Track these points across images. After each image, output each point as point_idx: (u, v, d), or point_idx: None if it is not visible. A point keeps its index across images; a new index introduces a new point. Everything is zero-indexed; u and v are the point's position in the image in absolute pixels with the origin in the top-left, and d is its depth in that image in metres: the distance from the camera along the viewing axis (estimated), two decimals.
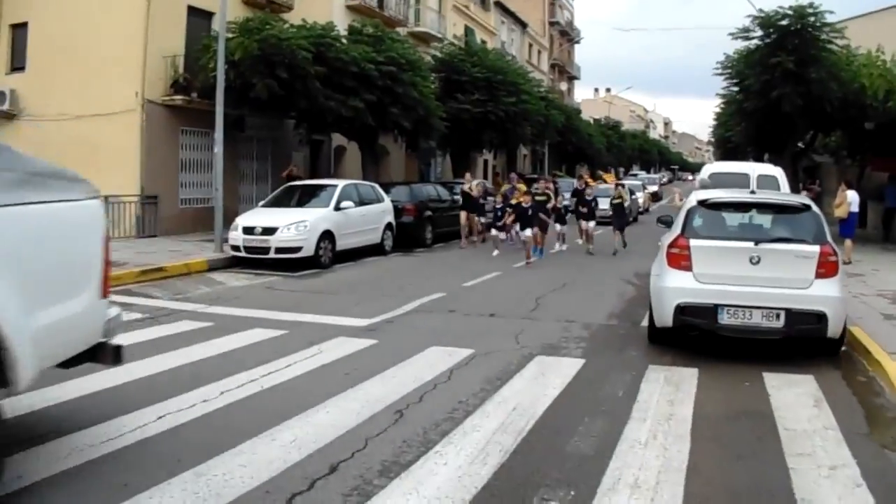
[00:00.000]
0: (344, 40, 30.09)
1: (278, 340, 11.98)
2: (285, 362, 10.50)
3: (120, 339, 11.76)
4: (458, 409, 8.49)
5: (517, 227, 25.00)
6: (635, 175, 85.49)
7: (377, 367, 10.25)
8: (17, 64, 29.96)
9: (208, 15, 29.11)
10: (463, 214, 28.76)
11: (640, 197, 51.03)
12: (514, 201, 25.65)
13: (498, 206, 27.34)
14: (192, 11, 29.45)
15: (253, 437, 7.47)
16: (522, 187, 28.23)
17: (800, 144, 38.82)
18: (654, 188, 70.66)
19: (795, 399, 9.22)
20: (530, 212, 24.09)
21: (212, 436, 7.56)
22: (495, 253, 25.32)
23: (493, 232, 27.21)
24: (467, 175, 31.37)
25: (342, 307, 14.91)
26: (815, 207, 11.68)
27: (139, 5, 27.31)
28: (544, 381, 9.78)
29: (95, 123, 27.10)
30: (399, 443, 7.42)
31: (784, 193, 16.03)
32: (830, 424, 8.26)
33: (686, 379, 9.99)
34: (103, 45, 27.48)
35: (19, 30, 29.86)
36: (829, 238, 11.08)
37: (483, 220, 29.74)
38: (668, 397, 9.13)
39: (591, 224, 27.23)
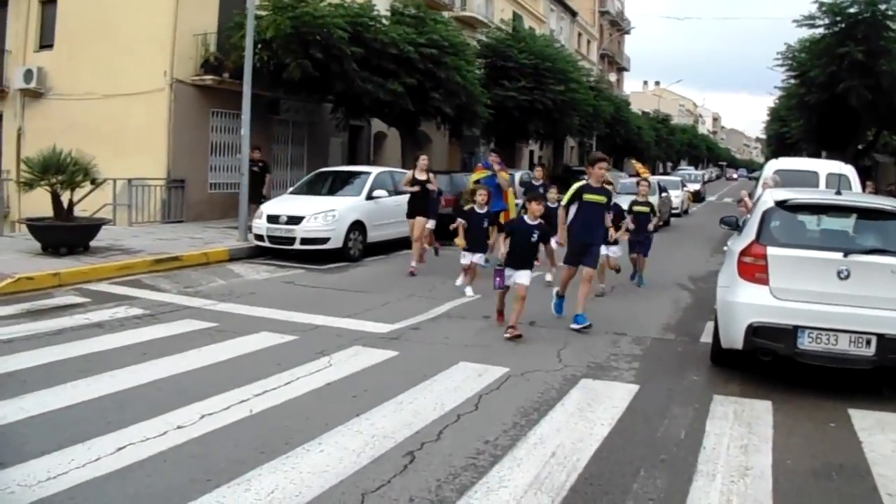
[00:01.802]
0: (384, 20, 28.71)
1: (285, 348, 10.51)
2: (287, 377, 9.02)
3: (109, 342, 10.60)
4: (483, 453, 6.93)
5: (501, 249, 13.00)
6: (680, 171, 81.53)
7: (393, 388, 8.73)
8: (46, 41, 29.02)
9: None
10: (413, 223, 18.67)
11: (677, 196, 40.17)
12: (467, 206, 16.13)
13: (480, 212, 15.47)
14: None
15: (223, 485, 6.05)
16: (505, 175, 19.24)
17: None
18: (697, 186, 58.34)
19: (894, 449, 7.54)
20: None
21: (175, 478, 6.18)
22: (459, 282, 15.77)
23: (466, 259, 15.56)
24: (422, 160, 18.91)
25: (365, 308, 13.46)
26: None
27: None
28: (591, 414, 8.18)
29: (123, 103, 26.10)
30: (404, 501, 5.91)
31: (875, 196, 14.22)
32: None
33: (759, 416, 8.34)
34: (132, 23, 26.36)
35: (48, 6, 28.90)
36: None
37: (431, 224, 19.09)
38: (741, 441, 7.49)
39: (613, 250, 16.18)
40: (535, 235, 12.15)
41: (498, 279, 12.12)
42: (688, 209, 45.69)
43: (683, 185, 46.30)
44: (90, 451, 6.59)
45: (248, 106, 21.11)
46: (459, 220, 15.52)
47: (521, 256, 12.11)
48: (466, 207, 15.84)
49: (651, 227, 17.17)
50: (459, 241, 15.55)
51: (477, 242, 15.29)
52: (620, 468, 6.73)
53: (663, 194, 34.12)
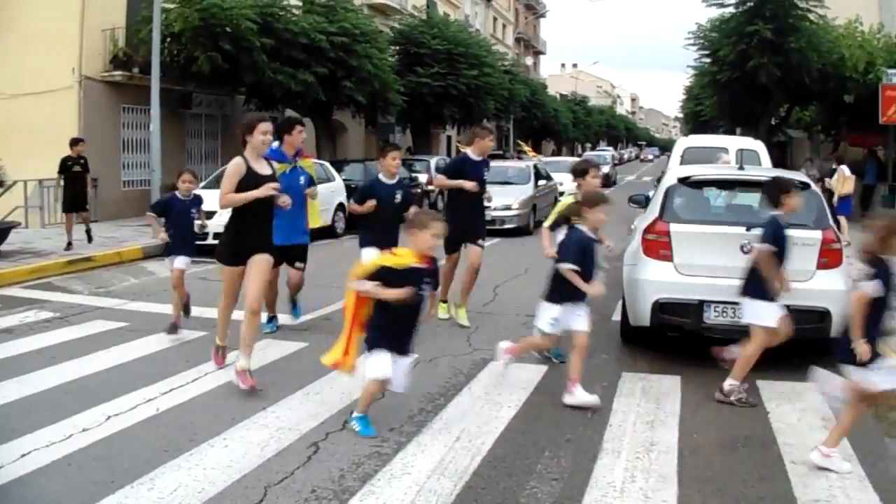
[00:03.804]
0: (295, 10, 28.49)
1: (193, 345, 10.40)
2: (194, 374, 8.93)
3: (17, 348, 10.40)
4: (387, 441, 6.93)
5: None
6: (597, 151, 78.19)
7: (300, 379, 8.70)
8: None
9: None
10: (232, 273, 9.10)
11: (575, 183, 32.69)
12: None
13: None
14: None
15: (127, 485, 5.96)
16: (309, 164, 11.60)
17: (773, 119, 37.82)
18: (605, 169, 43.31)
19: (799, 418, 7.69)
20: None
21: (77, 481, 6.09)
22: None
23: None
24: (261, 129, 8.72)
25: (277, 300, 13.24)
26: (814, 186, 10.11)
27: None
28: (497, 396, 8.23)
29: (31, 102, 25.42)
30: (307, 493, 5.88)
31: (778, 170, 14.37)
32: (846, 454, 6.65)
33: (667, 391, 8.44)
34: (38, 19, 25.73)
35: None
36: (831, 222, 9.51)
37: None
38: (648, 417, 7.58)
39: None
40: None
41: None
42: None
43: None
44: None
45: (157, 101, 20.98)
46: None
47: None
48: None
49: None
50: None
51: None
52: (525, 450, 6.77)
53: (541, 182, 26.72)
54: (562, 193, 31.99)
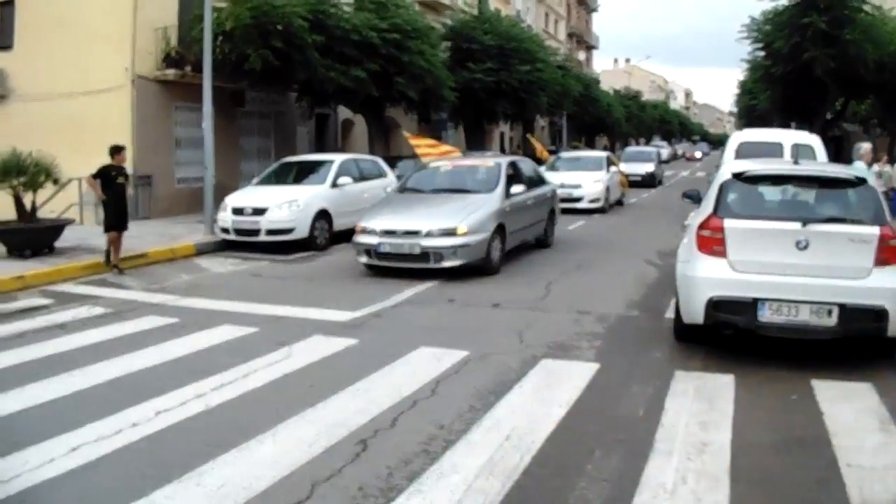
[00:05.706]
0: (346, 7, 28.51)
1: (245, 341, 10.41)
2: (245, 370, 8.93)
3: (69, 343, 10.49)
4: (436, 438, 6.85)
5: None
6: (652, 146, 69.39)
7: (350, 376, 8.61)
8: (5, 42, 28.39)
9: None
10: None
11: (597, 181, 28.66)
12: None
13: None
14: None
15: (174, 480, 6.00)
16: None
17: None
18: (648, 167, 42.62)
19: (855, 419, 7.46)
20: None
21: (126, 475, 6.15)
22: None
23: None
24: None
25: (328, 297, 13.27)
26: (871, 181, 9.89)
27: None
28: (549, 394, 8.08)
29: (84, 101, 25.60)
30: (353, 490, 5.84)
31: (834, 164, 14.08)
32: None
33: (720, 390, 8.24)
34: (91, 20, 25.92)
35: (6, 7, 28.35)
36: (888, 218, 9.28)
37: None
38: (700, 417, 7.41)
39: None
40: None
41: None
42: (622, 199, 32.17)
43: (610, 165, 31.19)
44: (43, 453, 6.51)
45: (209, 99, 20.95)
46: None
47: None
48: None
49: None
50: None
51: None
52: (575, 449, 6.67)
53: (515, 190, 17.10)
54: (578, 199, 27.62)
